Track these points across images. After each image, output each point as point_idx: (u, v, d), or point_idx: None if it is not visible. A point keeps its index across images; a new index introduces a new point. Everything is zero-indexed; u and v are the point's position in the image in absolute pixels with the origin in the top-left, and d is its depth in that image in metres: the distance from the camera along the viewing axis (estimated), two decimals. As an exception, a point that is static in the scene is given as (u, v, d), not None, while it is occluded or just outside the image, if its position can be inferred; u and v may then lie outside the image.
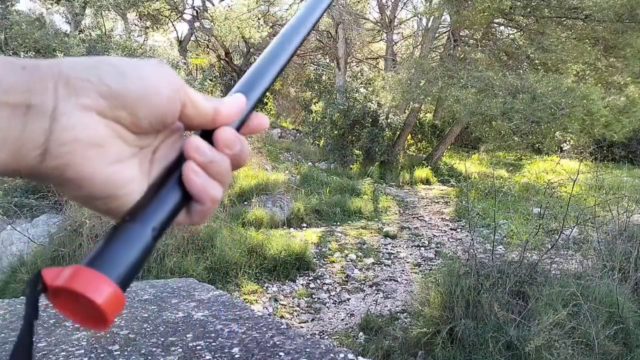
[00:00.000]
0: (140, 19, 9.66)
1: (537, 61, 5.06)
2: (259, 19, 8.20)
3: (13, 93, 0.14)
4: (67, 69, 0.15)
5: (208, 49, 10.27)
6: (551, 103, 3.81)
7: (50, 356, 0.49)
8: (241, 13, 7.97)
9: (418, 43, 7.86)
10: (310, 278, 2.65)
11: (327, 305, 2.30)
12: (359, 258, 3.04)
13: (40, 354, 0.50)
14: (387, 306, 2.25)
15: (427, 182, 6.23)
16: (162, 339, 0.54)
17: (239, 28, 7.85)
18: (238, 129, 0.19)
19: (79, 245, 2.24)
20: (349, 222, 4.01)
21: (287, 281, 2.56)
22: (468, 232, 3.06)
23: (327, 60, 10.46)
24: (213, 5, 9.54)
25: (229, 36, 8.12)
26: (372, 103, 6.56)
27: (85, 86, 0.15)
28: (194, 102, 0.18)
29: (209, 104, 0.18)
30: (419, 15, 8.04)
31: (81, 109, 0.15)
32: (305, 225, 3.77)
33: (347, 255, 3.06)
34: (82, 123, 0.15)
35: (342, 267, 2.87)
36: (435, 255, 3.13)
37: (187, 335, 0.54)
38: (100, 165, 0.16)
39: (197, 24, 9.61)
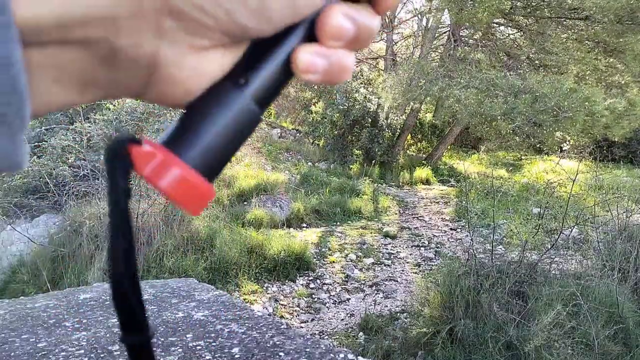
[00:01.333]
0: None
1: (537, 62, 5.06)
2: None
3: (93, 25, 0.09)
4: None
5: None
6: (554, 105, 3.81)
7: (50, 356, 0.49)
8: None
9: (418, 43, 7.86)
10: (310, 278, 2.65)
11: (327, 305, 2.30)
12: (358, 258, 3.04)
13: (39, 354, 0.50)
14: (387, 306, 2.25)
15: (427, 182, 6.24)
16: (162, 339, 0.54)
17: None
18: None
19: (79, 245, 2.24)
20: (349, 222, 4.01)
21: (287, 281, 2.56)
22: (468, 232, 3.07)
23: (327, 60, 10.40)
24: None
25: None
26: (371, 103, 6.57)
27: (204, 23, 0.10)
28: None
29: None
30: (419, 15, 8.04)
31: (194, 52, 0.11)
32: (305, 225, 3.77)
33: (347, 256, 3.06)
34: (195, 72, 0.11)
35: (342, 267, 2.87)
36: (435, 255, 3.13)
37: (187, 336, 0.54)
38: (189, 89, 0.12)
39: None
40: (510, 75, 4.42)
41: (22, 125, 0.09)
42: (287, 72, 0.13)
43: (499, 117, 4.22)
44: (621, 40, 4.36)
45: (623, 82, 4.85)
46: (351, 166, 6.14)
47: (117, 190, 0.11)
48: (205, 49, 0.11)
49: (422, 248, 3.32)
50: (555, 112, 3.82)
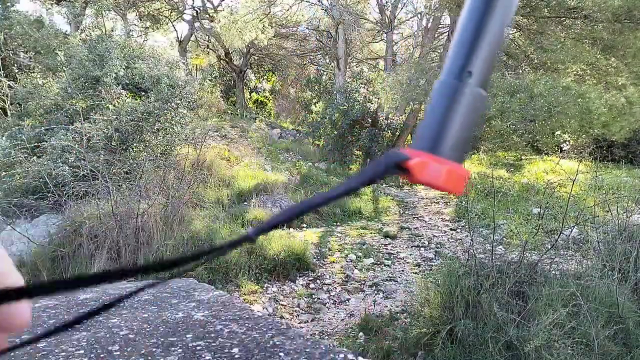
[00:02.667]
0: (140, 19, 9.66)
1: (536, 61, 5.07)
2: (261, 20, 8.19)
3: None
4: None
5: (208, 49, 10.26)
6: (545, 102, 3.82)
7: (51, 357, 0.49)
8: (244, 15, 7.95)
9: (418, 43, 7.87)
10: (310, 278, 2.65)
11: (327, 305, 2.30)
12: (358, 258, 3.04)
13: (40, 354, 0.50)
14: (387, 306, 2.25)
15: (427, 182, 6.21)
16: (162, 339, 0.53)
17: (240, 32, 7.83)
18: None
19: (79, 246, 2.24)
20: (349, 222, 4.01)
21: (286, 281, 2.56)
22: (468, 232, 3.07)
23: (327, 61, 10.46)
24: (213, 5, 9.55)
25: (235, 40, 8.05)
26: (371, 103, 6.57)
27: None
28: None
29: None
30: (418, 15, 8.04)
31: None
32: (305, 225, 3.77)
33: (347, 256, 3.06)
34: None
35: (341, 267, 2.87)
36: (435, 255, 3.13)
37: (187, 336, 0.54)
38: None
39: (197, 24, 9.60)
40: (508, 74, 4.42)
41: None
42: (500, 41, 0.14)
43: (496, 116, 4.23)
44: (619, 38, 4.37)
45: (621, 82, 4.86)
46: (351, 166, 6.13)
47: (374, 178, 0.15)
48: None
49: (422, 248, 3.32)
50: (548, 108, 3.83)
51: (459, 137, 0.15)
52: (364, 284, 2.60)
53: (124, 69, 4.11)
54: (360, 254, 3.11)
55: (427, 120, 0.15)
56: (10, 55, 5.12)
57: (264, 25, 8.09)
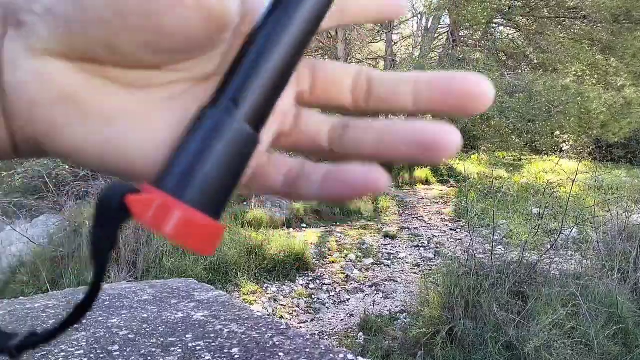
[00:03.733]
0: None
1: (535, 61, 5.08)
2: None
3: None
4: None
5: None
6: (546, 101, 3.83)
7: (50, 357, 0.49)
8: None
9: (417, 43, 7.88)
10: (310, 278, 2.65)
11: (327, 305, 2.30)
12: (358, 258, 3.04)
13: (39, 354, 0.50)
14: (386, 306, 2.25)
15: (426, 182, 6.24)
16: (162, 340, 0.54)
17: None
18: None
19: (79, 246, 2.24)
20: (349, 222, 4.01)
21: (286, 281, 2.56)
22: (467, 232, 3.07)
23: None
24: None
25: None
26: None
27: (32, 19, 0.09)
28: None
29: None
30: (418, 15, 8.05)
31: (31, 54, 0.09)
32: (304, 225, 3.77)
33: (346, 256, 3.06)
34: (33, 76, 0.09)
35: (341, 267, 2.87)
36: (434, 255, 3.13)
37: (187, 336, 0.54)
38: (93, 130, 0.10)
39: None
40: (508, 74, 4.44)
41: None
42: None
43: (495, 116, 4.24)
44: (618, 39, 4.39)
45: (620, 83, 4.87)
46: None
47: (104, 243, 0.10)
48: (43, 53, 0.09)
49: (421, 248, 3.33)
50: (547, 108, 3.85)
51: (214, 183, 0.10)
52: (363, 284, 2.61)
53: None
54: (360, 254, 3.11)
55: (177, 152, 0.10)
56: None
57: None
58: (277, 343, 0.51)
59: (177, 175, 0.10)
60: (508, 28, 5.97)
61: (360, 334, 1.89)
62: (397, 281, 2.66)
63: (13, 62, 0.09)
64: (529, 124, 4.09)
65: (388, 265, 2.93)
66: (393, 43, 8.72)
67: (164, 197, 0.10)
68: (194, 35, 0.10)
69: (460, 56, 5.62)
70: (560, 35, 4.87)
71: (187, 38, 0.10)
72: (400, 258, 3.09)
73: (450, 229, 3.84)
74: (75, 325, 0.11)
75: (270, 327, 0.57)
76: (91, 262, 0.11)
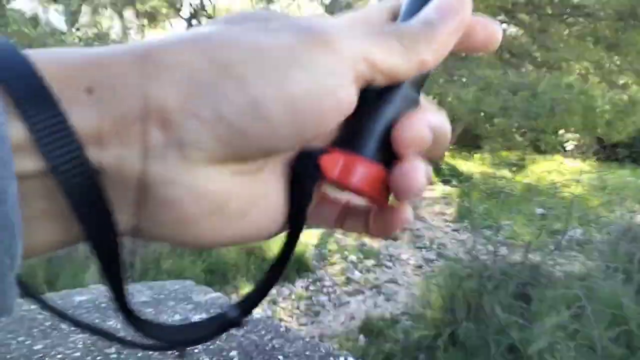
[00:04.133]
0: (137, 17, 9.69)
1: (539, 59, 5.06)
2: None
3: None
4: (163, 87, 0.08)
5: None
6: (548, 99, 3.81)
7: (47, 359, 0.48)
8: (242, 9, 7.99)
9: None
10: (310, 280, 2.64)
11: (327, 307, 2.29)
12: (359, 260, 3.03)
13: (36, 356, 0.50)
14: (387, 309, 2.24)
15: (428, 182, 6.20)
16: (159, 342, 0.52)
17: None
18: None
19: (75, 247, 2.25)
20: (350, 222, 4.00)
21: (286, 283, 2.55)
22: (470, 233, 3.05)
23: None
24: (211, 2, 9.59)
25: None
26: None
27: (194, 127, 0.08)
28: (386, 73, 0.10)
29: (410, 63, 0.10)
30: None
31: (189, 166, 0.09)
32: (304, 226, 3.76)
33: (347, 257, 3.05)
34: (191, 191, 0.09)
35: (342, 268, 2.86)
36: (436, 256, 3.11)
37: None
38: (223, 229, 0.10)
39: (194, 22, 9.65)
40: (510, 72, 4.42)
41: (12, 266, 0.08)
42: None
43: (498, 114, 4.22)
44: (623, 36, 4.35)
45: (624, 81, 4.83)
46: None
47: (303, 200, 0.11)
48: (202, 163, 0.09)
49: (423, 249, 3.31)
50: (551, 106, 3.82)
51: (385, 141, 0.11)
52: (364, 286, 2.59)
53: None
54: (360, 255, 3.10)
55: (352, 121, 0.11)
56: None
57: None
58: (277, 346, 0.50)
59: (356, 137, 0.11)
60: (511, 25, 5.94)
61: (361, 336, 1.88)
62: (398, 283, 2.64)
63: (166, 176, 0.09)
64: (533, 121, 4.07)
65: (389, 267, 2.91)
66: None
67: (347, 155, 0.11)
68: (330, 127, 0.10)
69: (463, 54, 5.60)
70: (564, 33, 4.84)
71: (326, 130, 0.10)
72: (401, 259, 3.07)
73: (453, 230, 3.82)
74: (274, 284, 0.12)
75: (269, 329, 0.56)
76: (290, 222, 0.11)
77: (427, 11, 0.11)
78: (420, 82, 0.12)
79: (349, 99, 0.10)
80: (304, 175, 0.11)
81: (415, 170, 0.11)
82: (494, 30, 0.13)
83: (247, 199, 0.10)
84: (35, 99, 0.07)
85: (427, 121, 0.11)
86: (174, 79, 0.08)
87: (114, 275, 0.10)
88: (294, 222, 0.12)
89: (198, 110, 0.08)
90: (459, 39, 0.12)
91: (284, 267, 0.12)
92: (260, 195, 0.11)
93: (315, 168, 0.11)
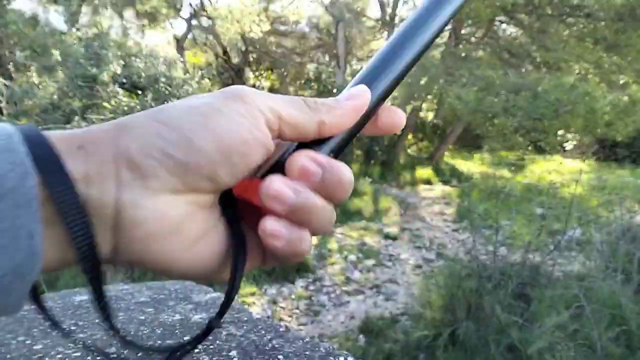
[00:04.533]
0: (137, 17, 9.67)
1: (539, 59, 5.06)
2: (258, 15, 8.23)
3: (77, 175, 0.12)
4: (127, 140, 0.12)
5: (206, 47, 10.30)
6: (554, 100, 3.80)
7: (47, 358, 0.48)
8: (242, 9, 8.01)
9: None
10: (310, 280, 2.64)
11: (327, 307, 2.29)
12: (359, 259, 3.03)
13: (36, 356, 0.49)
14: (387, 308, 2.24)
15: (428, 182, 6.21)
16: (159, 342, 0.52)
17: (239, 22, 7.91)
18: (354, 133, 0.15)
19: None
20: (349, 223, 4.00)
21: (285, 283, 2.56)
22: (470, 233, 3.05)
23: (327, 59, 10.47)
24: (211, 3, 9.58)
25: (231, 32, 8.15)
26: (372, 103, 6.54)
27: (150, 165, 0.12)
28: (292, 125, 0.14)
29: (311, 120, 0.14)
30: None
31: (150, 194, 0.12)
32: (305, 225, 3.75)
33: (347, 257, 3.06)
34: (154, 214, 0.12)
35: (341, 268, 2.86)
36: (436, 256, 3.11)
37: (185, 338, 0.53)
38: (181, 250, 0.13)
39: (194, 22, 9.63)
40: (511, 73, 4.41)
41: (32, 279, 0.12)
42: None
43: (499, 114, 4.22)
44: (622, 37, 4.36)
45: (624, 81, 4.83)
46: (351, 166, 6.10)
47: (234, 214, 0.15)
48: (160, 191, 0.12)
49: (423, 249, 3.31)
50: (555, 107, 3.82)
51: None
52: (364, 286, 2.60)
53: (121, 67, 4.11)
54: (360, 255, 3.10)
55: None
56: (6, 53, 5.12)
57: (259, 18, 8.17)
58: (276, 346, 0.50)
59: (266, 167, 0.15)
60: (511, 26, 5.93)
61: (361, 336, 1.88)
62: (398, 283, 2.64)
63: (133, 201, 0.12)
64: (536, 122, 4.06)
65: (389, 267, 2.91)
66: (394, 42, 8.67)
67: (251, 180, 0.15)
68: (254, 159, 0.14)
69: (463, 54, 5.60)
70: (564, 33, 4.84)
71: (254, 165, 0.14)
72: (401, 259, 3.07)
73: (453, 230, 3.82)
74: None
75: (269, 329, 0.56)
76: (234, 241, 0.15)
77: (341, 95, 0.15)
78: (337, 150, 0.15)
79: (261, 136, 0.14)
80: (224, 198, 0.14)
81: (271, 182, 0.14)
82: (398, 117, 0.17)
83: (200, 227, 0.13)
84: (48, 162, 0.11)
85: (307, 160, 0.14)
86: (134, 136, 0.12)
87: (99, 293, 0.13)
88: (236, 239, 0.14)
89: (151, 152, 0.12)
90: (369, 121, 0.16)
91: (235, 283, 0.14)
92: (210, 226, 0.14)
93: (229, 192, 0.14)
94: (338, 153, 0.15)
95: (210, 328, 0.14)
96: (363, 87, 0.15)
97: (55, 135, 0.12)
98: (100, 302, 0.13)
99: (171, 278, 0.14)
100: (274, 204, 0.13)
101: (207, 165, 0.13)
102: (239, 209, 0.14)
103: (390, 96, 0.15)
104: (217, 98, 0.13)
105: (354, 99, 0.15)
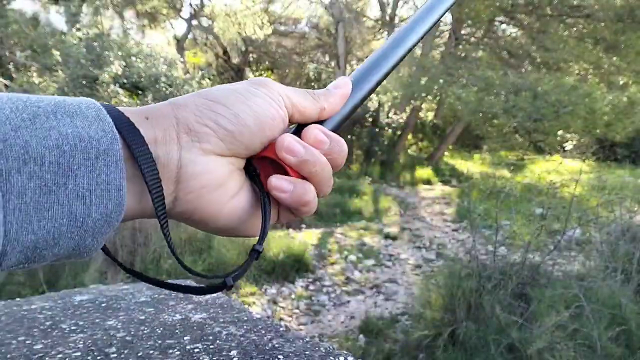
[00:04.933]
0: (138, 17, 9.68)
1: (538, 60, 5.06)
2: (259, 16, 8.23)
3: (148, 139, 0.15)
4: (185, 113, 0.16)
5: (206, 48, 10.30)
6: (555, 101, 3.80)
7: (47, 358, 0.48)
8: (241, 10, 8.01)
9: (419, 43, 7.86)
10: (310, 280, 2.64)
11: (327, 307, 2.30)
12: (359, 259, 3.04)
13: (36, 356, 0.49)
14: (387, 308, 2.24)
15: (428, 182, 6.22)
16: (160, 342, 0.53)
17: (239, 24, 7.90)
18: (346, 118, 0.19)
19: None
20: (349, 222, 4.01)
21: (286, 283, 2.56)
22: (470, 233, 3.06)
23: (327, 59, 10.47)
24: (210, 2, 9.57)
25: (231, 33, 8.16)
26: (372, 102, 6.57)
27: (205, 132, 0.16)
28: (301, 111, 0.18)
29: (315, 107, 0.18)
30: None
31: (203, 154, 0.16)
32: (304, 226, 3.76)
33: (347, 257, 3.06)
34: (206, 169, 0.16)
35: (341, 268, 2.87)
36: (436, 256, 3.12)
37: (185, 338, 0.53)
38: (223, 203, 0.17)
39: (195, 22, 9.64)
40: (510, 73, 4.41)
41: (115, 226, 0.14)
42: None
43: (499, 114, 4.21)
44: (622, 37, 4.36)
45: (622, 82, 4.83)
46: (351, 166, 6.14)
47: (255, 171, 0.19)
48: (211, 153, 0.16)
49: (423, 249, 3.31)
50: (556, 108, 3.82)
51: None
52: (364, 286, 2.60)
53: (121, 67, 4.11)
54: (360, 255, 3.10)
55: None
56: (7, 53, 5.12)
57: (262, 21, 8.16)
58: (277, 345, 0.50)
59: None
60: (510, 26, 5.93)
61: (361, 336, 1.88)
62: (398, 283, 2.64)
63: (192, 159, 0.16)
64: (536, 123, 4.06)
65: (389, 267, 2.91)
66: (394, 42, 8.67)
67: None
68: (277, 132, 0.18)
69: (463, 54, 5.60)
70: (564, 34, 4.84)
71: (276, 136, 0.18)
72: (401, 259, 3.07)
73: (452, 230, 3.83)
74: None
75: (269, 329, 0.56)
76: (262, 200, 0.18)
77: (328, 86, 0.20)
78: (333, 131, 0.19)
79: (284, 114, 0.18)
80: (251, 160, 0.17)
81: (283, 139, 0.17)
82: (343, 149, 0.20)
83: (236, 184, 0.17)
84: (128, 129, 0.15)
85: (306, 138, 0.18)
86: (191, 109, 0.16)
87: (165, 228, 0.15)
88: (261, 192, 0.17)
89: (206, 122, 0.16)
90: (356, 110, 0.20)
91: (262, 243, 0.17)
92: (242, 184, 0.18)
93: (250, 159, 0.17)
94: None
95: (258, 252, 0.17)
96: (345, 77, 0.20)
97: (125, 110, 0.15)
98: (169, 241, 0.16)
99: (212, 230, 0.18)
100: (286, 155, 0.17)
101: (247, 135, 0.17)
102: (258, 174, 0.18)
103: (375, 90, 0.20)
104: (248, 84, 0.18)
105: (341, 88, 0.19)
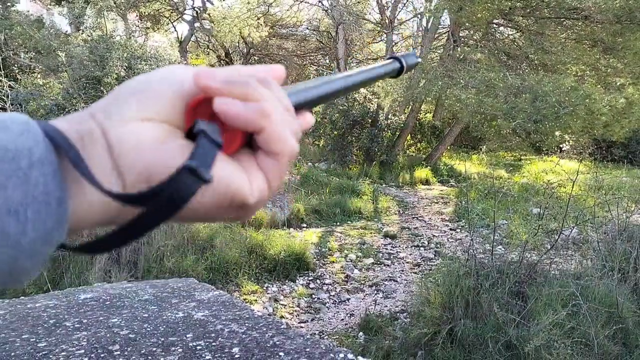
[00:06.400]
0: (141, 20, 9.66)
1: (536, 62, 5.07)
2: (258, 19, 8.22)
3: (70, 132, 0.15)
4: (95, 106, 0.16)
5: (208, 50, 10.27)
6: (555, 102, 3.81)
7: (51, 356, 0.49)
8: (241, 12, 7.99)
9: (418, 44, 7.88)
10: (310, 278, 2.65)
11: (327, 305, 2.30)
12: (358, 258, 3.05)
13: (40, 354, 0.50)
14: (387, 306, 2.25)
15: (426, 182, 6.24)
16: (162, 339, 0.53)
17: (237, 27, 7.87)
18: None
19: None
20: (349, 222, 4.02)
21: (287, 281, 2.56)
22: (468, 232, 3.07)
23: (327, 61, 10.47)
24: (212, 5, 9.56)
25: (228, 36, 8.14)
26: (372, 103, 6.58)
27: (121, 105, 0.16)
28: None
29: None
30: (418, 15, 8.04)
31: (126, 121, 0.16)
32: (305, 225, 3.77)
33: (346, 256, 3.07)
34: (133, 130, 0.15)
35: (342, 267, 2.87)
36: (434, 255, 3.13)
37: (187, 335, 0.54)
38: (173, 158, 0.15)
39: (197, 25, 9.61)
40: (509, 75, 4.43)
41: (58, 243, 0.14)
42: None
43: (499, 116, 4.22)
44: (620, 39, 4.38)
45: (620, 83, 4.86)
46: (351, 166, 6.14)
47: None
48: (131, 119, 0.17)
49: (421, 248, 3.33)
50: (556, 109, 3.83)
51: None
52: (364, 284, 2.61)
53: (125, 69, 4.09)
54: (360, 253, 3.11)
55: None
56: (11, 55, 5.09)
57: (258, 24, 8.13)
58: (278, 343, 0.51)
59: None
60: (508, 28, 5.95)
61: (361, 333, 1.89)
62: (397, 281, 2.66)
63: (115, 126, 0.16)
64: (537, 124, 4.07)
65: (388, 265, 2.93)
66: (393, 43, 8.71)
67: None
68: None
69: (461, 56, 5.61)
70: (562, 35, 4.86)
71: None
72: (400, 258, 3.08)
73: (451, 229, 3.84)
74: None
75: (270, 326, 0.56)
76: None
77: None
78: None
79: (182, 71, 0.18)
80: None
81: (198, 71, 0.17)
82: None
83: (183, 143, 0.17)
84: (58, 139, 0.14)
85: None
86: (100, 103, 0.17)
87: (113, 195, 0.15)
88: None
89: (115, 98, 0.17)
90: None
91: None
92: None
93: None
94: None
95: (189, 168, 0.15)
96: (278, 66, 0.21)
97: (57, 122, 0.15)
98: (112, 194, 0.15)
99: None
100: (207, 81, 0.16)
101: (153, 93, 0.17)
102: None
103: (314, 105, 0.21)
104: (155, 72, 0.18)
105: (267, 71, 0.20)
